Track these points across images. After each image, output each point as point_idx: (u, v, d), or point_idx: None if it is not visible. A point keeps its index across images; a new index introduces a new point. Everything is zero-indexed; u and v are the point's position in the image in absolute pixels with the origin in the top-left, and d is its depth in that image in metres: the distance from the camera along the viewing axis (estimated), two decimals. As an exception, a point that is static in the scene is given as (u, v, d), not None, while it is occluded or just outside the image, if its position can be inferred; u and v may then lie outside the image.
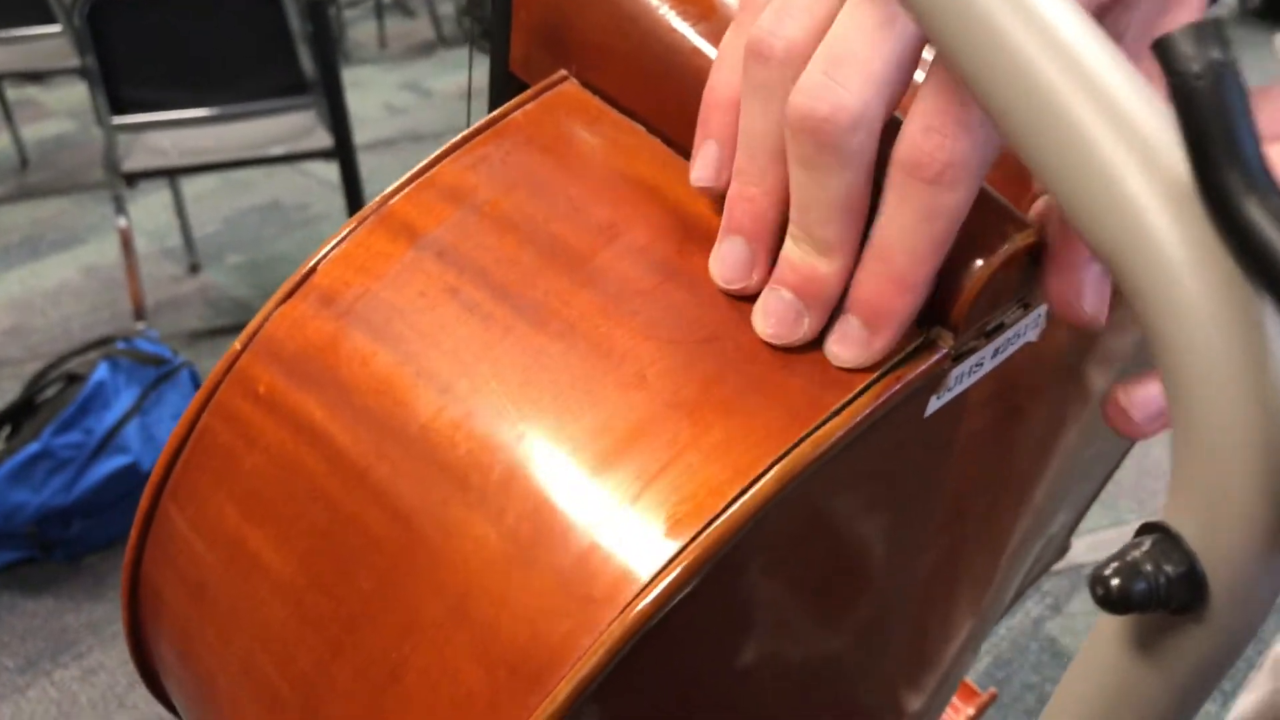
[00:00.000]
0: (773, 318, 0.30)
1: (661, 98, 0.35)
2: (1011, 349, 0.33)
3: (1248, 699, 0.77)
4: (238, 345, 0.34)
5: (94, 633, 1.71)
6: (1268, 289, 0.19)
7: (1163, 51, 0.19)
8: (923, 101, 0.27)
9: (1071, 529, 0.59)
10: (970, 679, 1.63)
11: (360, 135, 2.30)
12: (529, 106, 0.36)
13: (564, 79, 0.37)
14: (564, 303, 0.32)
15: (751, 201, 0.30)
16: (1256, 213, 0.19)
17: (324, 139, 2.26)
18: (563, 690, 0.28)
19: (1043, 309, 0.34)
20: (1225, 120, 0.19)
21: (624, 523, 0.29)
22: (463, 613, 0.30)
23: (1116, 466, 0.56)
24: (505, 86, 0.39)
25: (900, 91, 0.27)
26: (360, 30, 4.30)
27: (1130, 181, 0.21)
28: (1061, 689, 0.27)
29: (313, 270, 0.34)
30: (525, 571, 0.29)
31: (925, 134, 0.26)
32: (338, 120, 2.20)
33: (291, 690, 0.33)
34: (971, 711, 0.77)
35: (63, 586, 1.79)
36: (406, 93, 3.78)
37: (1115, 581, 0.21)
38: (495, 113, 0.36)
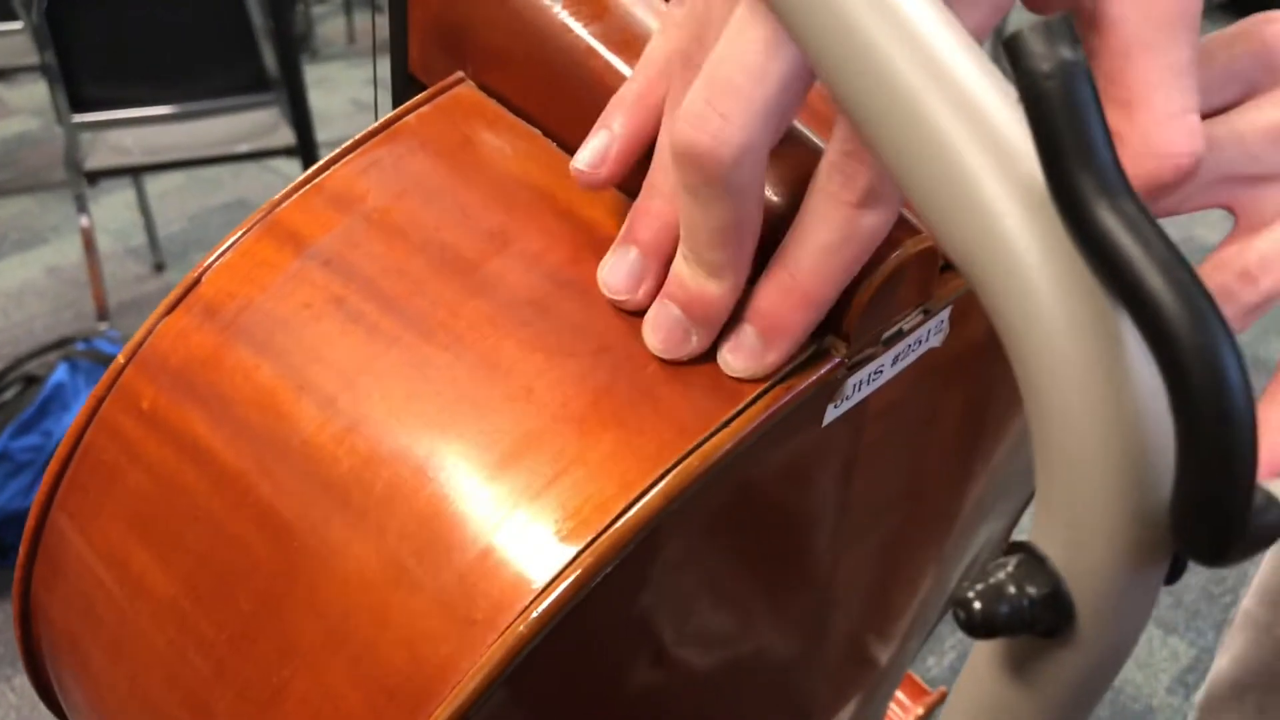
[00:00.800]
0: (661, 332, 0.30)
1: (557, 100, 0.34)
2: (913, 356, 0.33)
3: (1224, 657, 0.77)
4: (121, 359, 0.33)
5: (54, 638, 1.68)
6: (1120, 298, 0.18)
7: (1011, 50, 0.19)
8: (842, 125, 0.26)
9: (1009, 530, 0.59)
10: (933, 675, 1.63)
11: (327, 132, 2.28)
12: (424, 109, 0.35)
13: (460, 81, 0.36)
14: (452, 313, 0.31)
15: (656, 217, 0.29)
16: (1108, 217, 0.18)
17: (289, 136, 2.24)
18: (440, 716, 0.27)
19: (945, 315, 0.33)
20: (1076, 122, 0.18)
21: (507, 540, 0.28)
22: (342, 635, 0.29)
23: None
24: (406, 89, 0.38)
25: (789, 115, 0.26)
26: (329, 26, 4.26)
27: (985, 185, 0.20)
28: (945, 712, 0.26)
29: (197, 281, 0.33)
30: (405, 592, 0.28)
31: (845, 158, 0.26)
32: (300, 117, 2.17)
33: (178, 712, 0.32)
34: (921, 711, 0.77)
35: (22, 591, 1.76)
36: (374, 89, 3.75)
37: (977, 605, 0.20)
38: (389, 116, 0.35)
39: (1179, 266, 0.17)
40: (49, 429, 1.77)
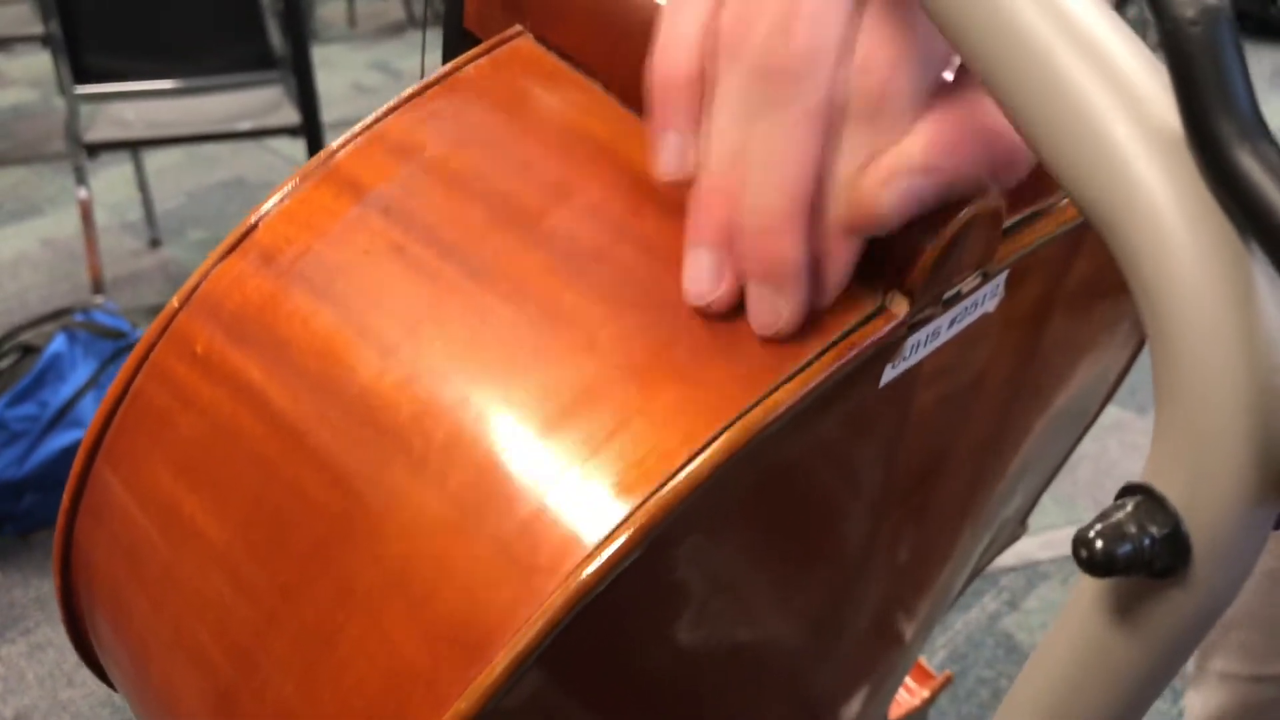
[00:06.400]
0: (753, 312, 0.29)
1: (616, 54, 0.34)
2: (968, 319, 0.33)
3: None
4: (175, 303, 0.33)
5: (42, 608, 1.68)
6: (1259, 241, 0.18)
7: (1155, -3, 0.19)
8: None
9: (1028, 511, 0.59)
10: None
11: (328, 114, 2.27)
12: (481, 62, 0.35)
13: (518, 34, 0.36)
14: (513, 262, 0.31)
15: (712, 205, 0.29)
16: (1249, 162, 0.18)
17: (291, 115, 2.23)
18: (501, 661, 0.27)
19: (1001, 279, 0.33)
20: (1218, 67, 0.19)
21: (569, 489, 0.28)
22: (401, 581, 0.29)
23: (1077, 443, 0.55)
24: (459, 43, 0.38)
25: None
26: (330, 9, 4.25)
27: (1117, 130, 0.20)
28: (1038, 653, 0.26)
29: (254, 227, 0.33)
30: (467, 539, 0.28)
31: (862, 73, 0.26)
32: (306, 97, 2.16)
33: (227, 659, 0.32)
34: (927, 694, 0.77)
35: (12, 561, 1.76)
36: (375, 73, 3.74)
37: (1099, 544, 0.21)
38: (446, 67, 0.35)
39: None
40: (45, 399, 1.76)
